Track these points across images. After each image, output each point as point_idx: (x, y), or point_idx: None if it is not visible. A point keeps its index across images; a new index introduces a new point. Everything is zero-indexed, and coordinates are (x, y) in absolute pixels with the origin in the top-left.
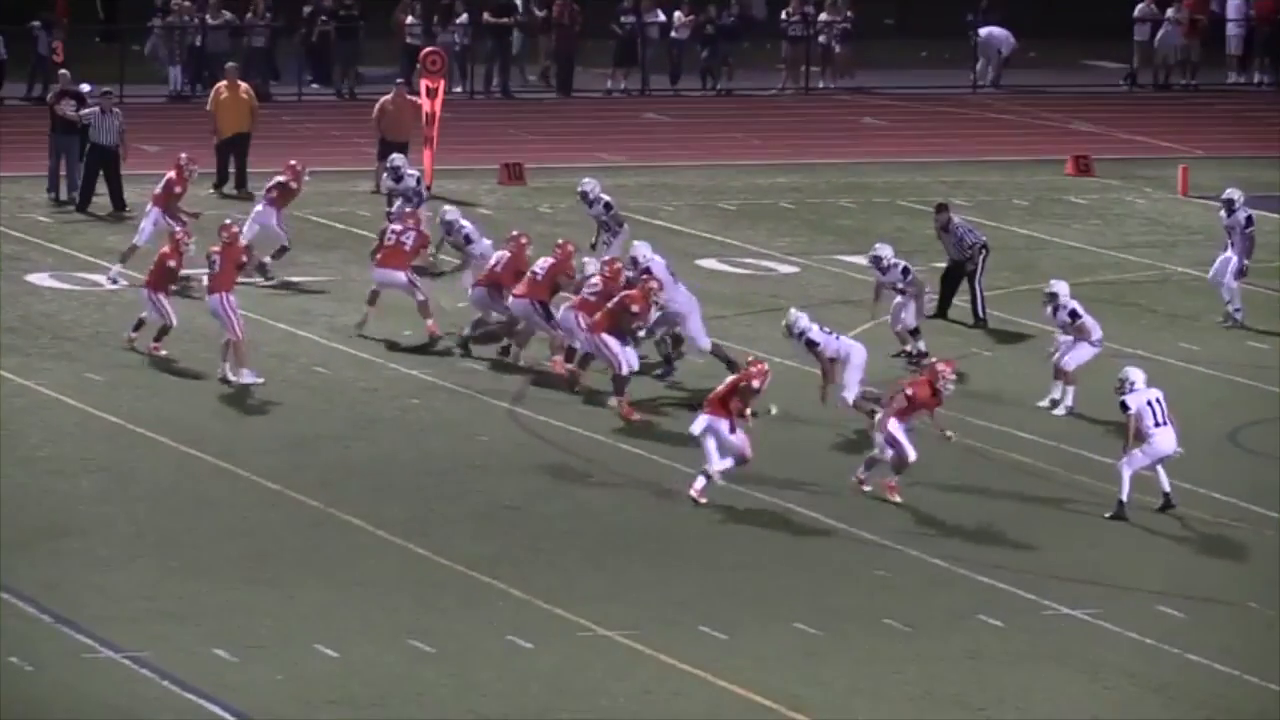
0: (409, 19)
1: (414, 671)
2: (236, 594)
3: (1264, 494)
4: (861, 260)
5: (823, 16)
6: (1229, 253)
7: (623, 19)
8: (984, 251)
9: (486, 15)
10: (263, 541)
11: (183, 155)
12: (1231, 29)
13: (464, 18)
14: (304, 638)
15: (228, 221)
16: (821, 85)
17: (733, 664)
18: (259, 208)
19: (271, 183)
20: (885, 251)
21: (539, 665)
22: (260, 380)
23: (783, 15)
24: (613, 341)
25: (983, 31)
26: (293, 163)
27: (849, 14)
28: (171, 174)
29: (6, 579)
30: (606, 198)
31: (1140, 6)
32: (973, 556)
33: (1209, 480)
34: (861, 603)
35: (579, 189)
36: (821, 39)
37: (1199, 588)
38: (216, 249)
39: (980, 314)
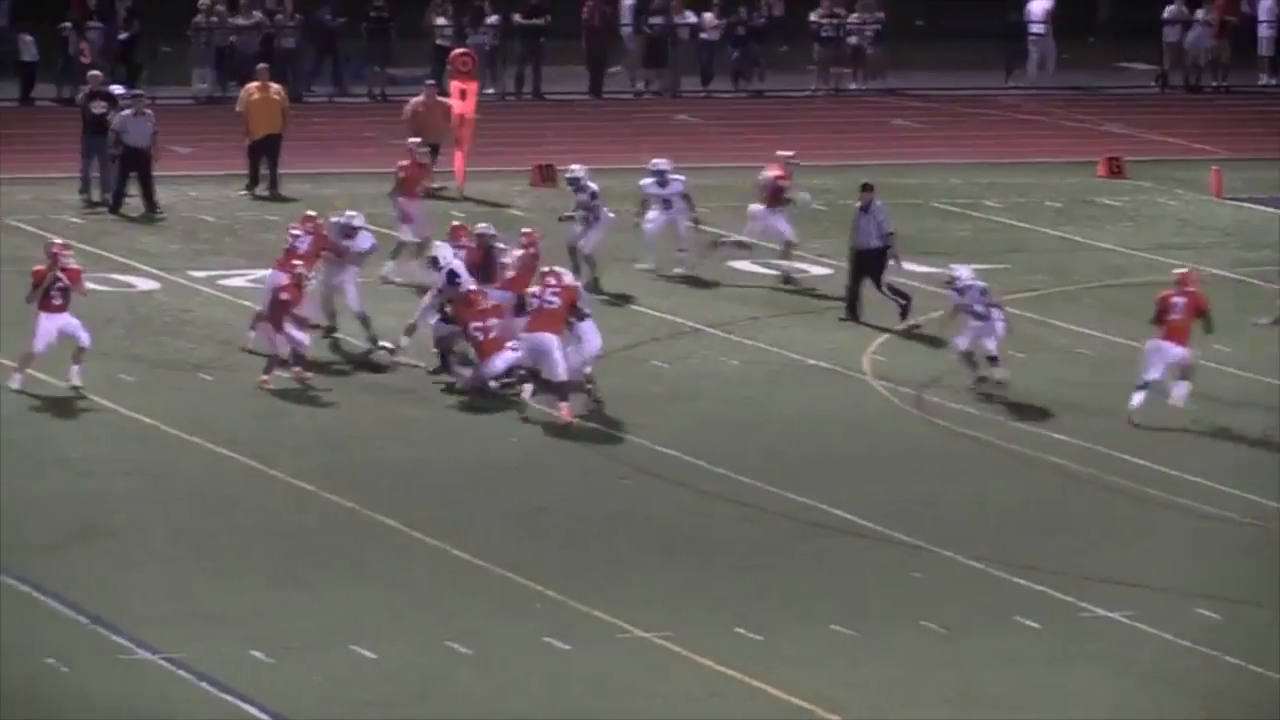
0: (440, 20)
1: (451, 673)
2: (273, 595)
3: None
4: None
5: (854, 18)
6: None
7: (652, 20)
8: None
9: (517, 16)
10: (299, 543)
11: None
12: (1263, 30)
13: (495, 19)
14: (341, 639)
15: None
16: (853, 87)
17: (769, 666)
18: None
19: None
20: (962, 272)
21: (576, 667)
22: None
23: (813, 17)
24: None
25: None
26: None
27: (880, 15)
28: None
29: (42, 580)
30: (594, 186)
31: (1170, 8)
32: (1009, 558)
33: (1244, 481)
34: (898, 605)
35: (568, 175)
36: (853, 40)
37: (1235, 589)
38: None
39: (901, 316)
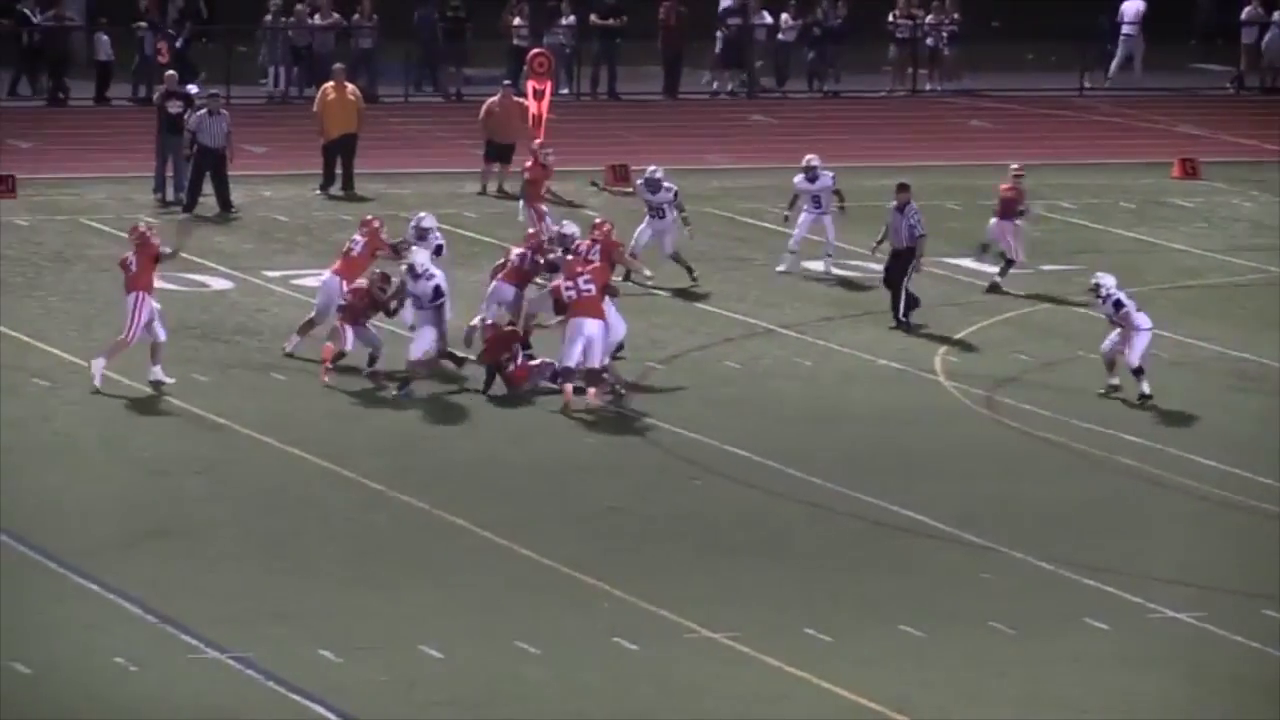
0: (516, 20)
1: (519, 672)
2: (341, 595)
3: None
4: (968, 263)
5: (929, 19)
6: None
7: (729, 21)
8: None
9: (593, 17)
10: (367, 542)
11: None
12: None
13: (571, 19)
14: (409, 639)
15: (140, 226)
16: (928, 88)
17: (837, 666)
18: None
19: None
20: (1106, 281)
21: (644, 667)
22: (170, 380)
23: (890, 18)
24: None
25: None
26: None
27: (956, 16)
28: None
29: (112, 579)
30: (675, 186)
31: (1248, 9)
32: (1078, 559)
33: None
34: (966, 605)
35: (650, 173)
36: (929, 41)
37: None
38: (130, 253)
39: (903, 316)
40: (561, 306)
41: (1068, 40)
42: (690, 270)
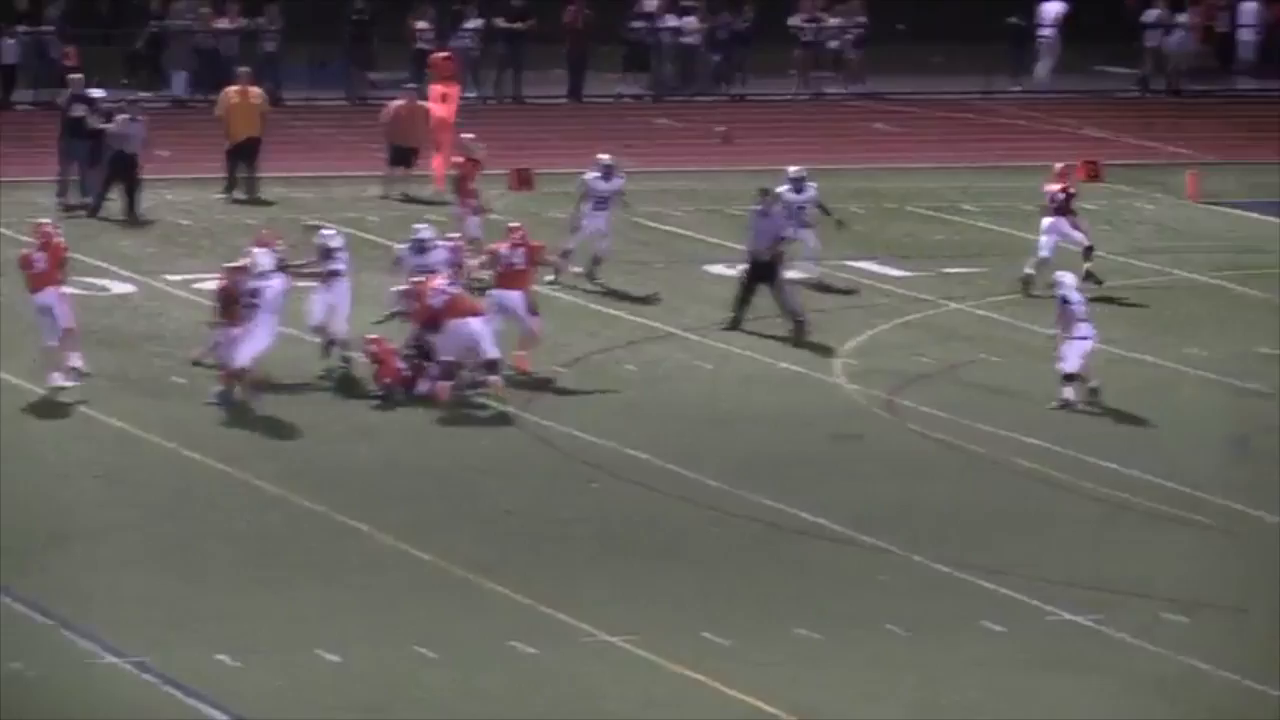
0: (421, 24)
1: (417, 676)
2: (240, 599)
3: (1268, 499)
4: (871, 265)
5: (834, 22)
6: None
7: (634, 24)
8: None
9: (499, 20)
10: (267, 546)
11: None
12: (1244, 35)
13: (477, 22)
14: (306, 642)
15: (43, 223)
16: (834, 91)
17: (735, 670)
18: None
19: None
20: (1064, 279)
21: (542, 670)
22: (74, 383)
23: (795, 20)
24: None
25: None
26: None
27: (861, 19)
28: None
29: (9, 584)
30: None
31: (1152, 12)
32: (975, 561)
33: (1213, 485)
34: (863, 608)
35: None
36: (834, 44)
37: (1202, 593)
38: (37, 251)
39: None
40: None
41: (974, 43)
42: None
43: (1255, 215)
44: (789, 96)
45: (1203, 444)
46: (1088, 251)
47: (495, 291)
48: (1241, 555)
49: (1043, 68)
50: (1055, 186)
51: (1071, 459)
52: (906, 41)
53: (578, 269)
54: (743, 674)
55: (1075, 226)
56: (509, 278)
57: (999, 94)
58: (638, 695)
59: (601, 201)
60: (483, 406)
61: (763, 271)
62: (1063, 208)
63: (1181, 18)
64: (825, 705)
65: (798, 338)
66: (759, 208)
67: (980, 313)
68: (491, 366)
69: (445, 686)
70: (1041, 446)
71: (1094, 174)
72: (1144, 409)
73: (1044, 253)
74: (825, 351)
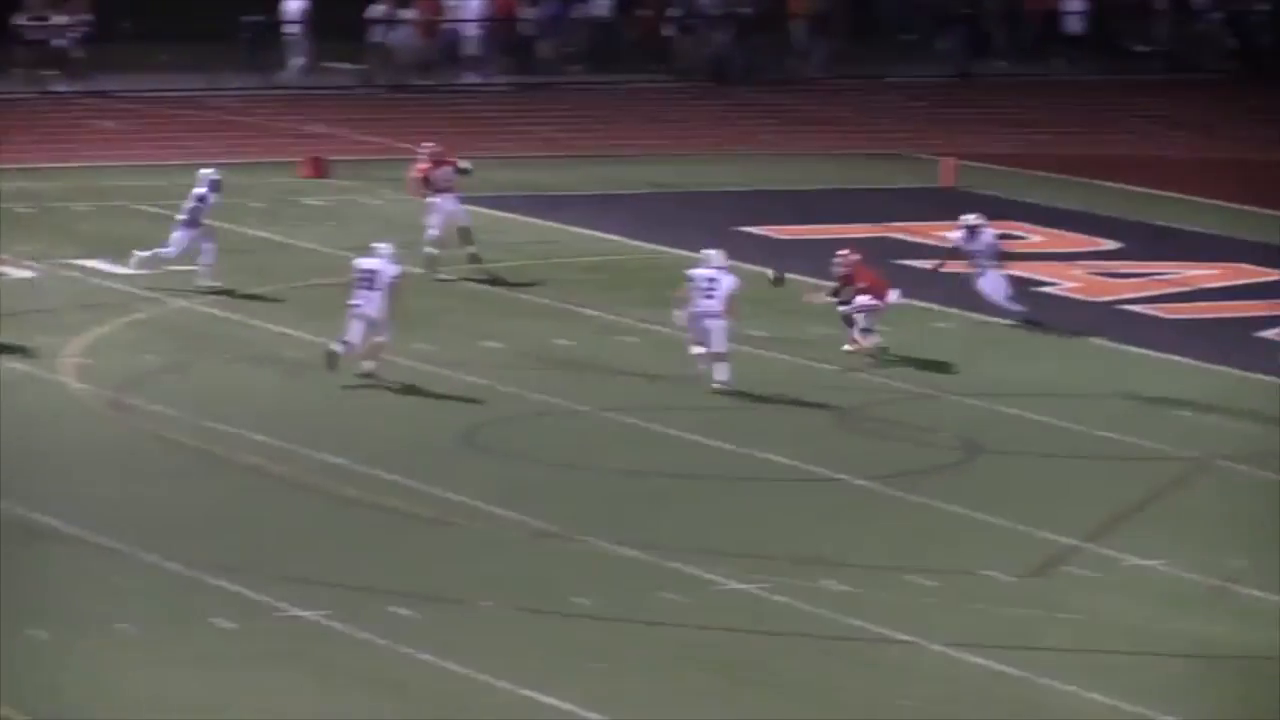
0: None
1: None
2: None
3: (505, 494)
4: (100, 265)
5: (59, 19)
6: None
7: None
8: None
9: None
10: None
11: None
12: (469, 29)
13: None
14: None
15: None
16: (62, 89)
17: None
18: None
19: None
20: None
21: None
22: None
23: (19, 19)
24: None
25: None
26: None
27: (87, 17)
28: None
29: None
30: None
31: (376, 8)
32: (206, 559)
33: (447, 481)
34: (95, 608)
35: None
36: (59, 42)
37: (429, 586)
38: None
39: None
40: None
41: (210, 41)
42: None
43: (480, 209)
44: (13, 95)
45: (436, 440)
46: (464, 232)
47: None
48: (479, 549)
49: (294, 64)
50: (426, 166)
51: (297, 454)
52: (133, 40)
53: None
54: None
55: (459, 203)
56: None
57: (227, 91)
58: None
59: None
60: None
61: None
62: (442, 187)
63: (406, 14)
64: (47, 707)
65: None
66: None
67: (208, 310)
68: None
69: None
70: (267, 442)
71: (321, 170)
72: (369, 404)
73: (434, 231)
74: (51, 349)
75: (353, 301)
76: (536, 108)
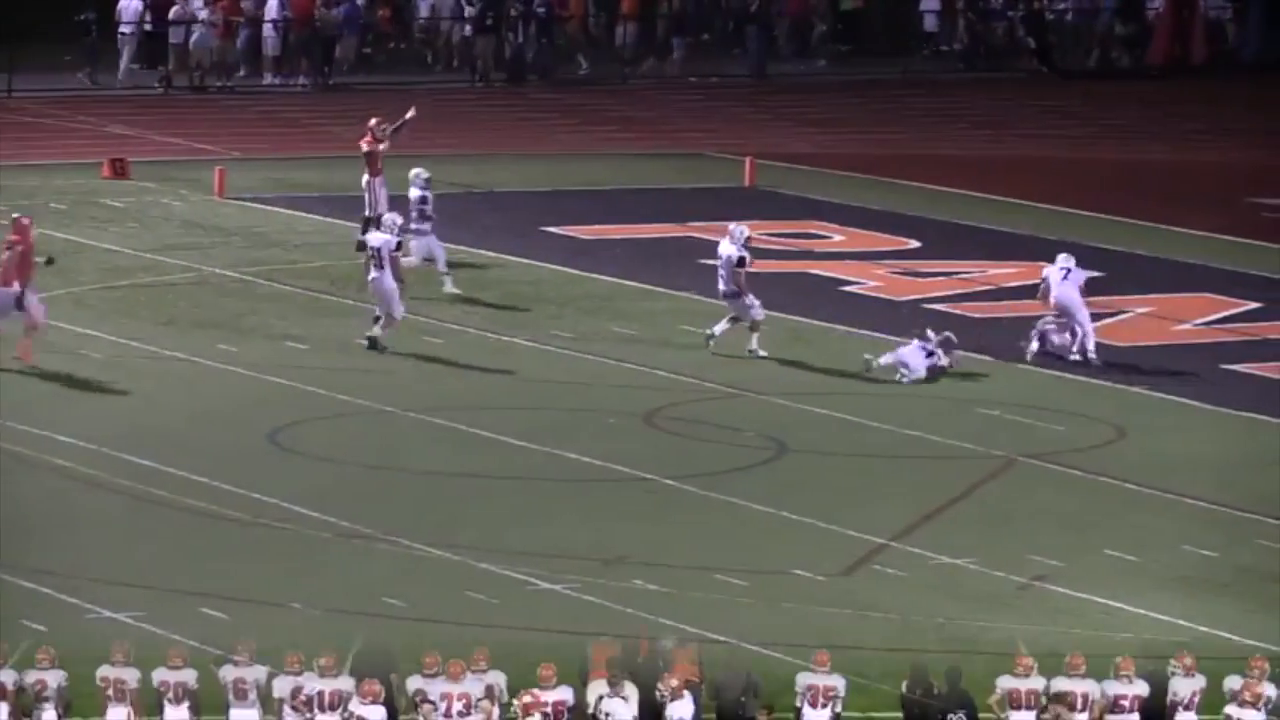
0: None
1: None
2: None
3: (313, 494)
4: None
5: None
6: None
7: None
8: None
9: None
10: None
11: None
12: (268, 30)
13: None
14: None
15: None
16: None
17: None
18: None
19: None
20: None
21: None
22: None
23: None
24: None
25: None
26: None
27: None
28: None
29: None
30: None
31: (175, 9)
32: (15, 562)
33: (250, 481)
34: None
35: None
36: None
37: (240, 588)
38: None
39: None
40: None
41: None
42: None
43: (281, 210)
44: None
45: (240, 441)
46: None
47: None
48: (287, 550)
49: (124, 64)
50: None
51: (106, 456)
52: None
53: None
54: None
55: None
56: None
57: (26, 91)
58: None
59: None
60: None
61: None
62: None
63: (203, 14)
64: None
65: None
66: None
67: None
68: None
69: None
70: (74, 444)
71: (121, 171)
72: (175, 405)
73: (380, 209)
74: None
75: (371, 276)
76: (335, 108)
